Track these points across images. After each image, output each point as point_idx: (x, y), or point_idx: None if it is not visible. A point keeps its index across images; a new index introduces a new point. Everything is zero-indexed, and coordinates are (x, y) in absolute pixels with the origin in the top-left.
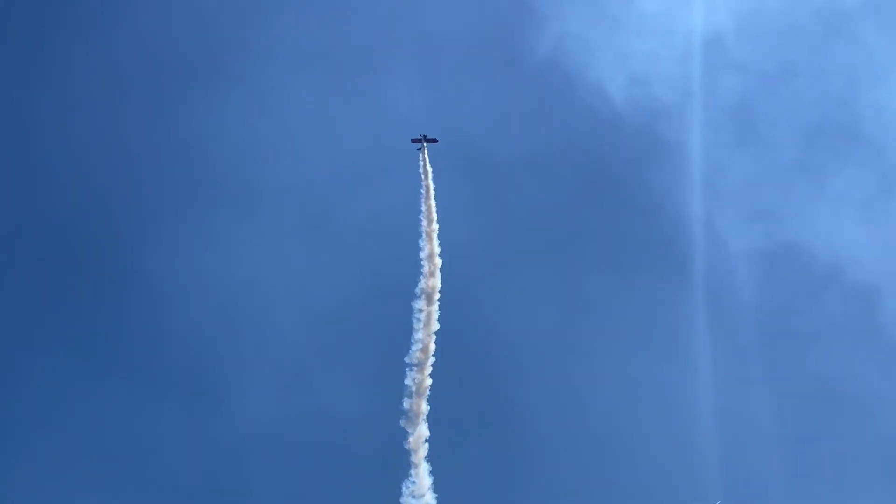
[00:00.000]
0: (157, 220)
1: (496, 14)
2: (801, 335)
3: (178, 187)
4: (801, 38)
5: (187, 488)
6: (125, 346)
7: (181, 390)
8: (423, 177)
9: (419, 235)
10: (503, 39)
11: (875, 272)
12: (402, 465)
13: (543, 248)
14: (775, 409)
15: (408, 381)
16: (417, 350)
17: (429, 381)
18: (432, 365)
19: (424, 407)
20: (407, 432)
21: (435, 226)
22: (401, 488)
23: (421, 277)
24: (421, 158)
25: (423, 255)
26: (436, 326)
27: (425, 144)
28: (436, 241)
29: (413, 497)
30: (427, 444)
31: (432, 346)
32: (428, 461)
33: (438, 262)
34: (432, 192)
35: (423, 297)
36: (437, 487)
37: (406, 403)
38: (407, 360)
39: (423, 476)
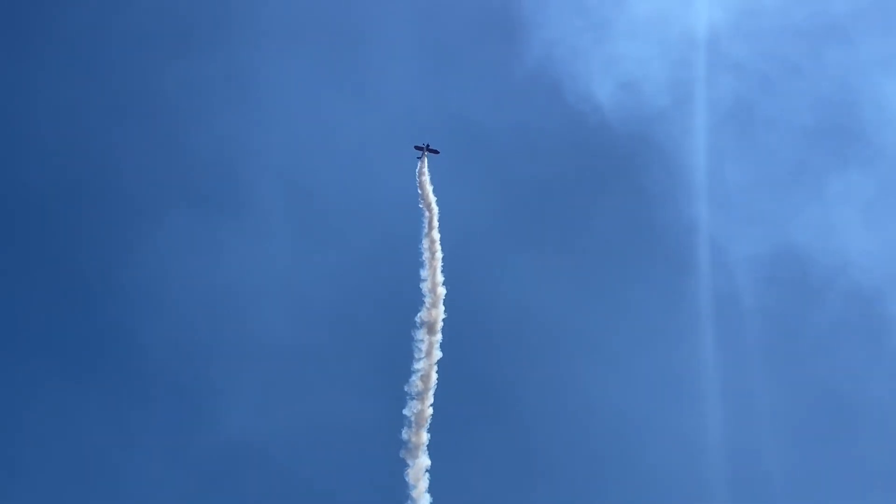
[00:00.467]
0: (139, 221)
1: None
2: (805, 338)
3: (161, 186)
4: (798, 39)
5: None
6: (107, 353)
7: (165, 400)
8: (424, 207)
9: (419, 258)
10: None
11: (878, 275)
12: (399, 473)
13: (540, 255)
14: (779, 411)
15: (407, 412)
16: (418, 379)
17: (430, 412)
18: (434, 395)
19: (425, 437)
20: (406, 464)
21: (439, 256)
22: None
23: (423, 308)
24: (419, 169)
25: (425, 286)
26: (438, 356)
27: (427, 154)
28: (439, 272)
29: None
30: (428, 475)
31: (434, 377)
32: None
33: (442, 292)
34: (435, 224)
35: (425, 327)
36: (438, 484)
37: (406, 434)
38: (406, 389)
39: None
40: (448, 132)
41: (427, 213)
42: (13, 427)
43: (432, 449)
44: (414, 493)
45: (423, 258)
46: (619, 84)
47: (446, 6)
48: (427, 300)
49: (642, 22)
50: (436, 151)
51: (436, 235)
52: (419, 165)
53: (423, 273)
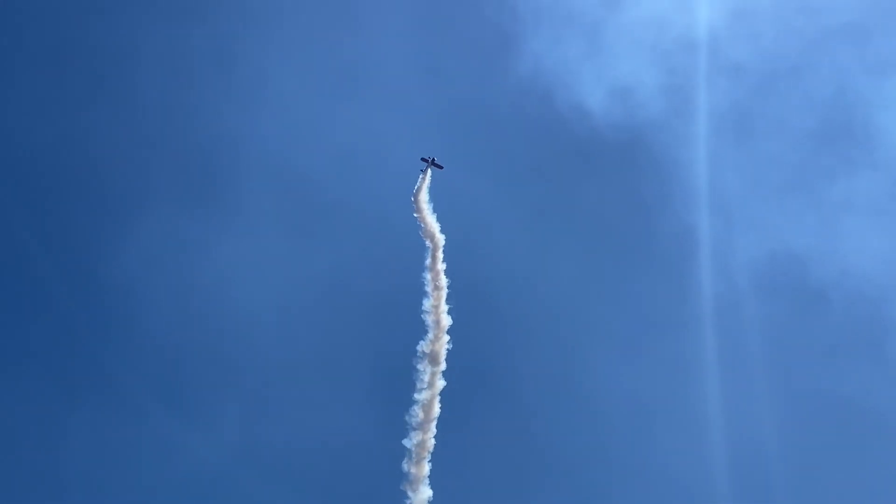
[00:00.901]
0: (118, 219)
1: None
2: (805, 344)
3: (142, 180)
4: (796, 42)
5: None
6: (88, 363)
7: (146, 409)
8: (426, 238)
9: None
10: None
11: (878, 280)
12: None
13: (537, 264)
14: (780, 418)
15: (408, 444)
16: (420, 411)
17: (432, 443)
18: (436, 427)
19: (426, 469)
20: (407, 496)
21: (444, 289)
22: None
23: (425, 340)
24: (417, 192)
25: (428, 319)
26: (441, 386)
27: (430, 168)
28: (444, 305)
29: None
30: None
31: (436, 408)
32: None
33: (447, 323)
34: (440, 255)
35: (428, 359)
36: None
37: (406, 466)
38: (407, 419)
39: None
40: (444, 140)
41: (430, 245)
42: None
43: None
44: None
45: (427, 290)
46: (613, 91)
47: (441, 13)
48: (430, 333)
49: (636, 27)
50: (440, 166)
51: (441, 267)
52: (419, 183)
53: (426, 304)
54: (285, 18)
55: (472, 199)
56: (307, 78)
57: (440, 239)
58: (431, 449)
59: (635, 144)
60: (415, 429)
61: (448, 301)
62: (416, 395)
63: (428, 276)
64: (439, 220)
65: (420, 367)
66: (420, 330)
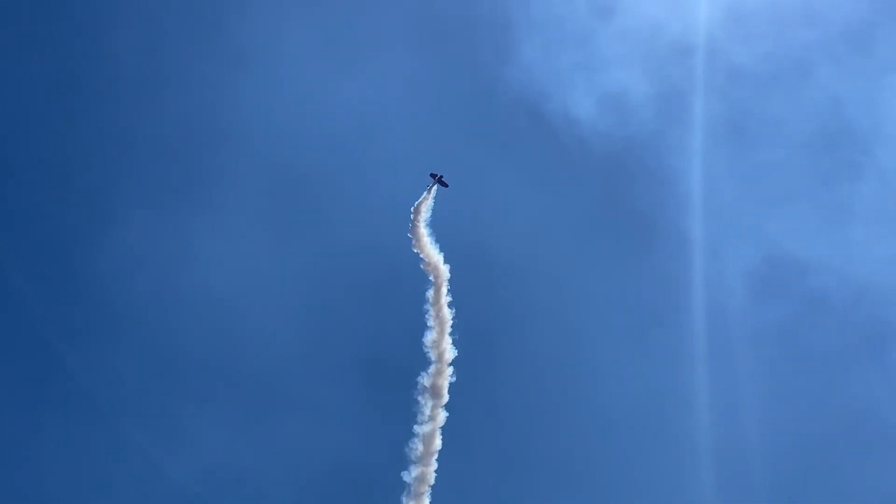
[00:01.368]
0: (96, 219)
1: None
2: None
3: (121, 175)
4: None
5: None
6: (61, 369)
7: (122, 425)
8: (428, 270)
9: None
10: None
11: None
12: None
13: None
14: (777, 427)
15: (407, 478)
16: (420, 443)
17: (433, 477)
18: (437, 460)
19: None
20: None
21: (448, 320)
22: None
23: (427, 373)
24: (414, 219)
25: (432, 353)
26: (443, 420)
27: (436, 185)
28: (447, 337)
29: None
30: None
31: (438, 441)
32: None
33: (450, 355)
34: (444, 289)
35: (429, 393)
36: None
37: (405, 501)
38: (407, 451)
39: None
40: (436, 149)
41: (433, 277)
42: None
43: None
44: None
45: (430, 324)
46: (607, 98)
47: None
48: (433, 366)
49: (630, 34)
50: (445, 184)
51: (445, 300)
52: (418, 205)
53: (429, 337)
54: (274, 12)
55: (468, 210)
56: (296, 69)
57: (444, 272)
58: (432, 483)
59: (629, 152)
60: (414, 462)
61: (453, 333)
62: (416, 428)
63: (430, 309)
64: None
65: (421, 399)
66: (419, 325)
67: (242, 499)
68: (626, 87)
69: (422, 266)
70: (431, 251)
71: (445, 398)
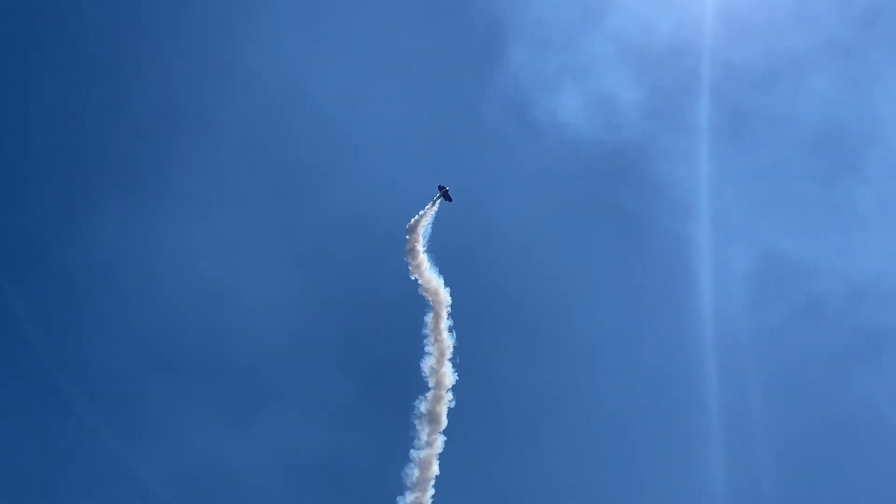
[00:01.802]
0: (72, 204)
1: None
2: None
3: (94, 162)
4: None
5: None
6: (36, 364)
7: (93, 426)
8: (427, 296)
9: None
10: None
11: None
12: None
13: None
14: (780, 434)
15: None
16: (416, 469)
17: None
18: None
19: None
20: None
21: (448, 344)
22: None
23: (425, 400)
24: (411, 239)
25: (430, 380)
26: (440, 447)
27: (440, 199)
28: (447, 362)
29: None
30: None
31: (435, 468)
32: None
33: (450, 380)
34: (444, 314)
35: (427, 419)
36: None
37: None
38: (403, 476)
39: None
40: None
41: (433, 303)
42: None
43: None
44: None
45: (428, 349)
46: (599, 101)
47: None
48: (431, 393)
49: (621, 36)
50: (450, 199)
51: (445, 325)
52: (415, 222)
53: (428, 363)
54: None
55: (462, 216)
56: (282, 62)
57: (444, 297)
58: None
59: (623, 155)
60: (410, 489)
61: (453, 358)
62: (412, 453)
63: (430, 335)
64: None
65: (418, 425)
66: (416, 314)
67: (227, 498)
68: (618, 90)
69: (420, 292)
70: (431, 276)
71: (444, 424)
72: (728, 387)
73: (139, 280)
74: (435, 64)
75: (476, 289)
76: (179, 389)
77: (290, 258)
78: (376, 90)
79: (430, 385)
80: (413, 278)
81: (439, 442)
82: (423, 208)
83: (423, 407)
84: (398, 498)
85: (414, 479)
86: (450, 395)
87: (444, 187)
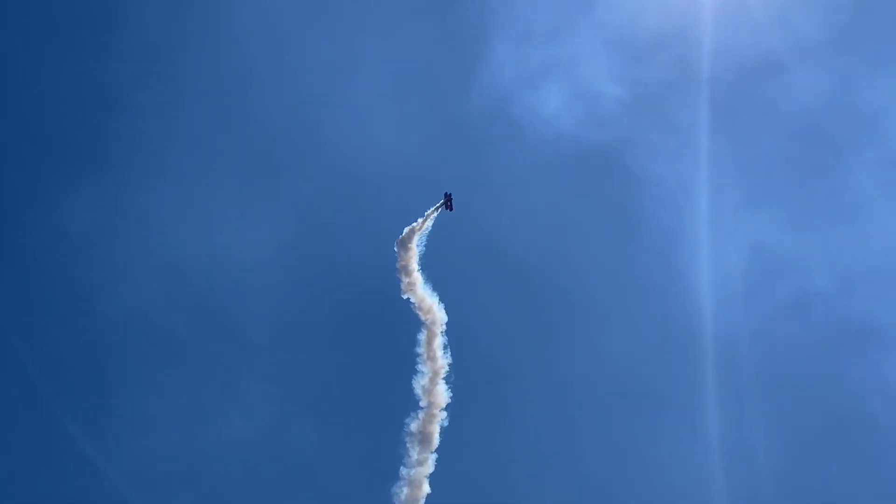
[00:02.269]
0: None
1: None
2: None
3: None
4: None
5: None
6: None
7: (64, 409)
8: (420, 313)
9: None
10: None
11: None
12: None
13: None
14: (777, 437)
15: None
16: (406, 488)
17: None
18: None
19: None
20: None
21: (443, 368)
22: None
23: (417, 419)
24: (414, 230)
25: (423, 401)
26: (431, 468)
27: (442, 206)
28: (441, 382)
29: None
30: None
31: (426, 487)
32: None
33: (443, 400)
34: (438, 332)
35: (418, 439)
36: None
37: None
38: (393, 493)
39: None
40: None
41: (426, 321)
42: None
43: None
44: None
45: (421, 369)
46: (582, 96)
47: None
48: (423, 413)
49: (606, 29)
50: (451, 208)
51: (439, 343)
52: (407, 234)
53: (420, 382)
54: None
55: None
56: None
57: (439, 317)
58: None
59: (610, 150)
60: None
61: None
62: (402, 470)
63: (424, 352)
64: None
65: (409, 444)
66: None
67: (197, 493)
68: (605, 84)
69: (413, 309)
70: (425, 296)
71: (436, 444)
72: (715, 383)
73: (106, 262)
74: (420, 57)
75: (465, 294)
76: (150, 377)
77: (271, 235)
78: (357, 69)
79: (423, 402)
80: (405, 297)
81: (431, 462)
82: (417, 220)
83: (414, 426)
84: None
85: (403, 497)
86: (443, 415)
87: (449, 195)
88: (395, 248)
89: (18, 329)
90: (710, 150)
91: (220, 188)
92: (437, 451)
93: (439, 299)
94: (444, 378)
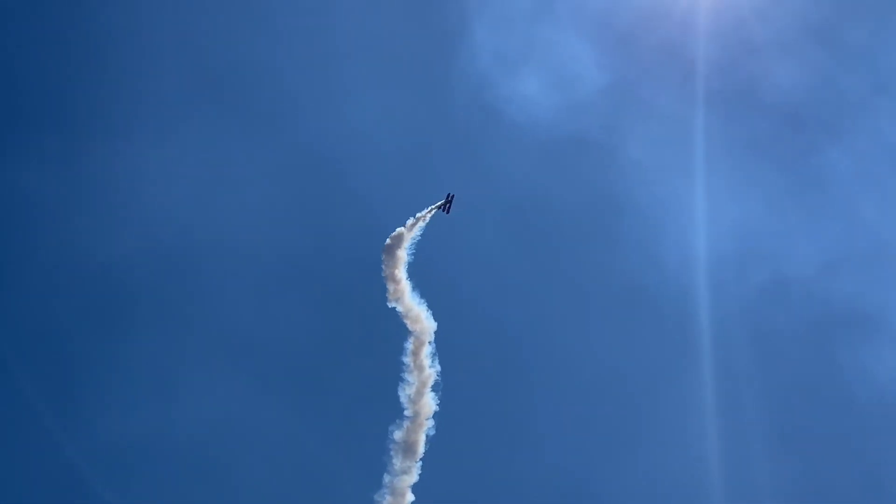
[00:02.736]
0: None
1: None
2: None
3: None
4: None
5: None
6: None
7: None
8: (407, 322)
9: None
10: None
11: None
12: None
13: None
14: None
15: None
16: (388, 497)
17: None
18: None
19: None
20: None
21: (431, 377)
22: None
23: (402, 428)
24: (404, 233)
25: (409, 410)
26: (415, 478)
27: (440, 207)
28: (429, 392)
29: None
30: None
31: (409, 496)
32: None
33: (431, 408)
34: (426, 341)
35: (402, 449)
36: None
37: None
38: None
39: None
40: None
41: (413, 330)
42: None
43: None
44: None
45: (408, 377)
46: (560, 82)
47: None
48: (408, 422)
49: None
50: (446, 211)
51: (427, 352)
52: (395, 240)
53: (407, 391)
54: None
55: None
56: None
57: (428, 328)
58: None
59: (590, 135)
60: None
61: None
62: (386, 478)
63: (410, 361)
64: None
65: (393, 453)
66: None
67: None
68: (580, 70)
69: (401, 318)
70: (414, 305)
71: (420, 454)
72: (692, 372)
73: (68, 223)
74: (398, 41)
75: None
76: (115, 348)
77: (251, 192)
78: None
79: (408, 413)
80: (391, 306)
81: (415, 472)
82: (403, 226)
83: (399, 435)
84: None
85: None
86: (430, 423)
87: (451, 196)
88: (382, 255)
89: None
90: (693, 137)
91: (193, 145)
92: (421, 460)
93: (427, 306)
94: (432, 387)
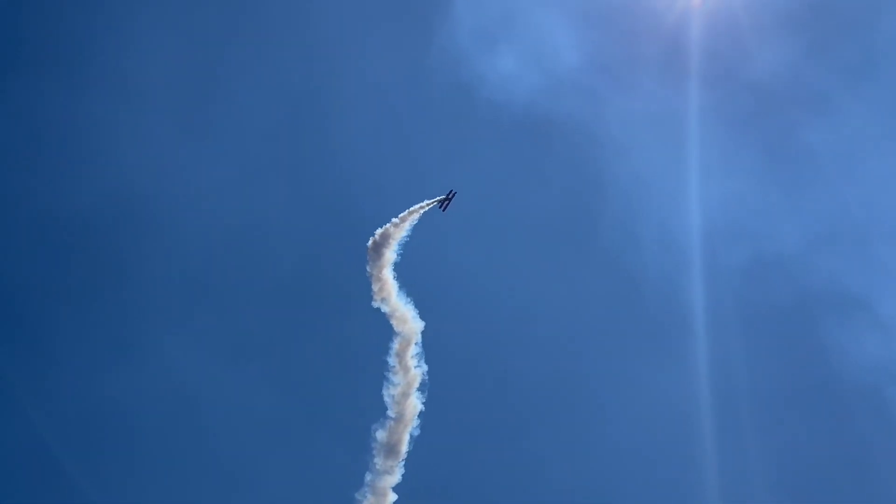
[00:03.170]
0: None
1: None
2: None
3: None
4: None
5: None
6: None
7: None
8: (393, 322)
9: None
10: None
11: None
12: None
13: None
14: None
15: None
16: (370, 496)
17: None
18: None
19: None
20: None
21: (416, 378)
22: None
23: (385, 428)
24: (392, 230)
25: (393, 411)
26: (397, 479)
27: (436, 203)
28: (414, 393)
29: None
30: None
31: (391, 496)
32: None
33: (416, 409)
34: (413, 342)
35: (384, 451)
36: None
37: None
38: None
39: None
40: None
41: (399, 330)
42: None
43: None
44: None
45: (392, 378)
46: (538, 63)
47: None
48: (391, 422)
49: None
50: (441, 208)
51: (412, 352)
52: (381, 237)
53: (391, 392)
54: None
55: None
56: None
57: (415, 329)
58: None
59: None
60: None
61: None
62: (367, 477)
63: (395, 362)
64: None
65: (376, 455)
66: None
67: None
68: (558, 50)
69: (387, 318)
70: (400, 305)
71: (403, 455)
72: (680, 355)
73: (35, 176)
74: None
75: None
76: (78, 312)
77: (224, 155)
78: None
79: (393, 413)
80: (375, 306)
81: (398, 472)
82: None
83: (381, 436)
84: None
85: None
86: (411, 427)
87: (452, 193)
88: (367, 254)
89: None
90: (676, 116)
91: (177, 103)
92: (405, 460)
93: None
94: (418, 388)
